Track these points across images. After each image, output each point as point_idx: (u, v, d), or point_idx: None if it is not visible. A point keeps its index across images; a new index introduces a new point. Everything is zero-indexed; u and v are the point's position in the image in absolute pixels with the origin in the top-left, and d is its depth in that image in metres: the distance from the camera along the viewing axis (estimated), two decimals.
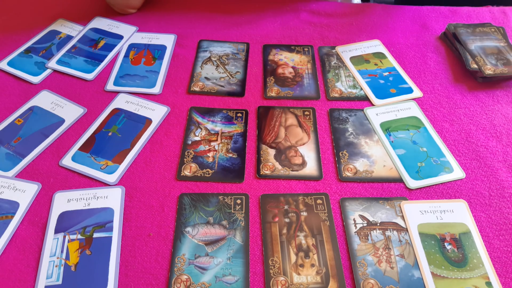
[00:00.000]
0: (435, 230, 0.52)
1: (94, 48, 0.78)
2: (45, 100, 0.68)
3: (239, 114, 0.67)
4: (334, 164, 0.60)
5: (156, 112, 0.67)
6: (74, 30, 0.82)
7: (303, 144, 0.62)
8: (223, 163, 0.60)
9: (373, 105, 0.68)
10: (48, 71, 0.73)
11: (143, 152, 0.61)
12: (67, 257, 0.50)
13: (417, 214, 0.54)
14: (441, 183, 0.58)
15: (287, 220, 0.54)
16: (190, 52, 0.78)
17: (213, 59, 0.77)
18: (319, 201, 0.55)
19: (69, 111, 0.67)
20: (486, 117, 0.66)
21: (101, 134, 0.63)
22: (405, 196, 0.56)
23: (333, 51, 0.79)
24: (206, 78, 0.73)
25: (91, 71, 0.74)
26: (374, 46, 0.79)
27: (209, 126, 0.65)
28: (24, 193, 0.56)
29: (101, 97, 0.69)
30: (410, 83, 0.72)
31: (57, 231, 0.52)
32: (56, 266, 0.49)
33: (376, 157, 0.61)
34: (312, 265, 0.49)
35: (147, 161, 0.60)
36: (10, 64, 0.75)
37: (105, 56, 0.77)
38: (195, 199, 0.56)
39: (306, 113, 0.67)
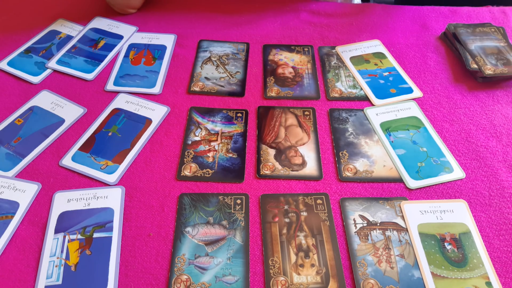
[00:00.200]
0: (435, 230, 0.52)
1: (94, 48, 0.78)
2: (45, 100, 0.68)
3: (239, 114, 0.67)
4: (334, 164, 0.60)
5: (156, 112, 0.67)
6: (74, 30, 0.82)
7: (303, 144, 0.62)
8: (223, 163, 0.60)
9: (373, 105, 0.68)
10: (48, 71, 0.73)
11: (143, 152, 0.61)
12: (67, 257, 0.50)
13: (417, 214, 0.54)
14: (441, 183, 0.58)
15: (287, 220, 0.54)
16: (190, 52, 0.78)
17: (213, 59, 0.77)
18: (319, 201, 0.55)
19: (69, 111, 0.67)
20: (486, 117, 0.66)
21: (101, 134, 0.63)
22: (405, 196, 0.56)
23: (333, 51, 0.79)
24: (206, 78, 0.73)
25: (91, 71, 0.74)
26: (374, 46, 0.79)
27: (209, 126, 0.65)
28: (24, 193, 0.56)
29: (101, 97, 0.69)
30: (410, 83, 0.72)
31: (57, 231, 0.52)
32: (56, 266, 0.49)
33: (376, 157, 0.61)
34: (312, 265, 0.49)
35: (147, 161, 0.60)
36: (10, 64, 0.75)
37: (105, 56, 0.77)
38: (195, 199, 0.56)
39: (306, 113, 0.67)
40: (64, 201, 0.55)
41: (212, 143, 0.62)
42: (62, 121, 0.65)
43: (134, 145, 0.62)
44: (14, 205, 0.55)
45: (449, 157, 0.61)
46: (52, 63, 0.75)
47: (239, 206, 0.55)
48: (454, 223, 0.53)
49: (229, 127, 0.65)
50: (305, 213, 0.54)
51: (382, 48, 0.79)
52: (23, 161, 0.59)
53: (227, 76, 0.73)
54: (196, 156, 0.61)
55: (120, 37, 0.80)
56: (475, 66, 0.72)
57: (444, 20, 0.86)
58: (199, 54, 0.77)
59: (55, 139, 0.63)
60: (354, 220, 0.53)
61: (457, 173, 0.59)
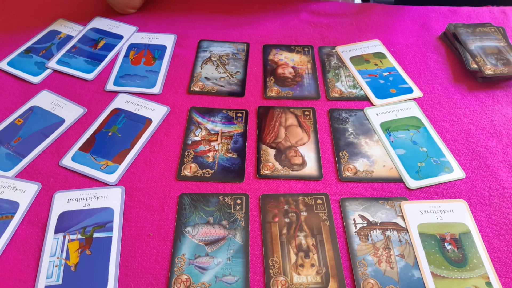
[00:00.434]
0: (435, 230, 0.52)
1: (94, 48, 0.78)
2: (45, 100, 0.68)
3: (239, 114, 0.67)
4: (334, 164, 0.60)
5: (156, 112, 0.67)
6: (74, 30, 0.82)
7: (303, 144, 0.62)
8: (223, 163, 0.60)
9: (373, 105, 0.68)
10: (48, 71, 0.73)
11: (143, 152, 0.61)
12: (67, 257, 0.50)
13: (417, 214, 0.54)
14: (441, 183, 0.58)
15: (287, 220, 0.54)
16: (190, 52, 0.78)
17: (213, 59, 0.77)
18: (319, 201, 0.55)
19: (69, 111, 0.67)
20: (486, 117, 0.66)
21: (101, 134, 0.63)
22: (405, 196, 0.56)
23: (333, 51, 0.79)
24: (206, 78, 0.73)
25: (91, 71, 0.74)
26: (374, 46, 0.79)
27: (209, 126, 0.65)
28: (24, 193, 0.56)
29: (101, 97, 0.69)
30: (410, 83, 0.72)
31: (57, 231, 0.52)
32: (56, 266, 0.49)
33: (376, 157, 0.61)
34: (312, 265, 0.49)
35: (147, 161, 0.60)
36: (10, 64, 0.75)
37: (105, 56, 0.77)
38: (195, 199, 0.56)
39: (306, 113, 0.67)
40: (64, 201, 0.55)
41: (212, 143, 0.62)
42: (62, 121, 0.65)
43: (134, 145, 0.62)
44: (14, 205, 0.55)
45: (449, 157, 0.61)
46: (52, 63, 0.75)
47: (239, 206, 0.55)
48: (454, 223, 0.53)
49: (229, 127, 0.65)
50: (305, 213, 0.54)
51: (382, 48, 0.79)
52: (23, 161, 0.59)
53: (227, 76, 0.73)
54: (196, 156, 0.61)
55: (120, 37, 0.80)
56: (475, 66, 0.72)
57: (444, 20, 0.86)
58: (199, 54, 0.77)
59: (55, 139, 0.63)
60: (354, 220, 0.53)
61: (457, 173, 0.59)
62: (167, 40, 0.80)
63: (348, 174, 0.58)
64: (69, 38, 0.80)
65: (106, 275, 0.48)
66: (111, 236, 0.52)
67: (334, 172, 0.59)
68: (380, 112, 0.67)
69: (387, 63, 0.76)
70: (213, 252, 0.50)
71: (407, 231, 0.52)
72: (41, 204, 0.55)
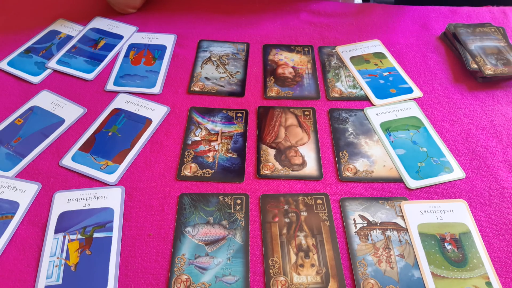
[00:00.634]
0: (435, 230, 0.52)
1: (94, 48, 0.78)
2: (45, 100, 0.68)
3: (239, 114, 0.67)
4: (334, 164, 0.60)
5: (156, 112, 0.67)
6: (74, 30, 0.82)
7: (303, 144, 0.62)
8: (223, 163, 0.60)
9: (373, 105, 0.68)
10: (48, 71, 0.73)
11: (143, 152, 0.61)
12: (67, 257, 0.50)
13: (417, 214, 0.54)
14: (441, 183, 0.58)
15: (287, 220, 0.54)
16: (190, 52, 0.78)
17: (213, 59, 0.77)
18: (319, 201, 0.55)
19: (69, 111, 0.67)
20: (486, 117, 0.66)
21: (101, 134, 0.63)
22: (405, 196, 0.56)
23: (333, 51, 0.79)
24: (206, 78, 0.73)
25: (91, 71, 0.74)
26: (374, 46, 0.79)
27: (209, 126, 0.65)
28: (24, 193, 0.56)
29: (101, 97, 0.69)
30: (410, 83, 0.72)
31: (57, 231, 0.52)
32: (56, 266, 0.49)
33: (376, 157, 0.61)
34: (312, 265, 0.49)
35: (147, 161, 0.60)
36: (10, 64, 0.75)
37: (105, 56, 0.77)
38: (195, 199, 0.56)
39: (306, 113, 0.67)
40: (64, 201, 0.55)
41: (212, 143, 0.62)
42: (62, 121, 0.65)
43: (134, 145, 0.62)
44: (14, 205, 0.55)
45: (449, 157, 0.61)
46: (52, 63, 0.75)
47: (239, 206, 0.55)
48: (454, 223, 0.53)
49: (229, 127, 0.65)
50: (305, 213, 0.54)
51: (382, 48, 0.79)
52: (23, 161, 0.59)
53: (227, 76, 0.73)
54: (196, 156, 0.61)
55: (120, 37, 0.80)
56: (475, 66, 0.72)
57: (444, 20, 0.86)
58: (199, 54, 0.77)
59: (55, 139, 0.63)
60: (354, 220, 0.53)
61: (457, 173, 0.59)
62: (167, 40, 0.80)
63: (348, 174, 0.58)
64: (69, 38, 0.80)
65: (106, 275, 0.48)
66: (111, 236, 0.52)
67: (334, 172, 0.59)
68: (380, 112, 0.67)
69: (387, 63, 0.76)
70: (213, 252, 0.50)
71: (407, 231, 0.52)
72: (41, 204, 0.55)
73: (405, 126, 0.65)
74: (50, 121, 0.65)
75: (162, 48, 0.78)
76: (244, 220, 0.53)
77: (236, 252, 0.51)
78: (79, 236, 0.51)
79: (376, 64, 0.75)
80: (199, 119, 0.66)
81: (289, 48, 0.79)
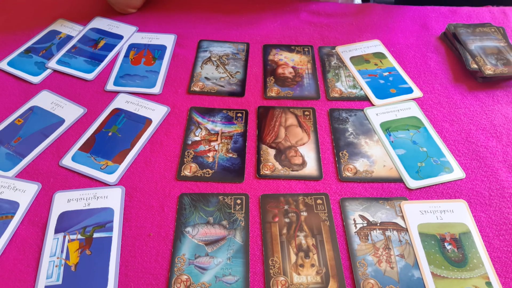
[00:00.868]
0: (435, 230, 0.52)
1: (94, 48, 0.78)
2: (45, 100, 0.68)
3: (239, 114, 0.67)
4: (334, 164, 0.60)
5: (156, 112, 0.67)
6: (74, 30, 0.82)
7: (303, 144, 0.62)
8: (223, 163, 0.60)
9: (373, 105, 0.68)
10: (48, 71, 0.73)
11: (143, 152, 0.61)
12: (67, 257, 0.50)
13: (417, 214, 0.54)
14: (441, 183, 0.58)
15: (287, 220, 0.54)
16: (190, 52, 0.78)
17: (213, 59, 0.77)
18: (319, 201, 0.55)
19: (69, 111, 0.67)
20: (486, 117, 0.66)
21: (101, 134, 0.63)
22: (405, 196, 0.56)
23: (333, 51, 0.79)
24: (206, 78, 0.73)
25: (91, 71, 0.74)
26: (374, 46, 0.79)
27: (209, 126, 0.65)
28: (24, 193, 0.56)
29: (101, 97, 0.69)
30: (410, 83, 0.72)
31: (57, 231, 0.52)
32: (56, 266, 0.49)
33: (376, 157, 0.61)
34: (312, 265, 0.49)
35: (147, 161, 0.60)
36: (10, 64, 0.75)
37: (105, 56, 0.77)
38: (195, 199, 0.56)
39: (306, 113, 0.67)
40: (64, 201, 0.55)
41: (212, 143, 0.62)
42: (62, 121, 0.65)
43: (134, 145, 0.62)
44: (14, 205, 0.55)
45: (449, 157, 0.61)
46: (52, 63, 0.75)
47: (239, 206, 0.55)
48: (454, 223, 0.53)
49: (229, 127, 0.65)
50: (305, 213, 0.54)
51: (382, 48, 0.79)
52: (23, 161, 0.59)
53: (227, 76, 0.73)
54: (196, 156, 0.61)
55: (120, 37, 0.80)
56: (475, 66, 0.72)
57: (444, 20, 0.86)
58: (199, 54, 0.77)
59: (55, 139, 0.63)
60: (354, 220, 0.53)
61: (457, 173, 0.59)
62: (167, 40, 0.80)
63: (348, 174, 0.58)
64: (69, 38, 0.80)
65: (106, 275, 0.48)
66: (111, 236, 0.52)
67: (334, 172, 0.59)
68: (380, 112, 0.67)
69: (387, 63, 0.76)
70: (213, 252, 0.50)
71: (407, 231, 0.52)
72: (41, 204, 0.55)
73: (405, 126, 0.65)
74: (50, 121, 0.65)
75: (162, 48, 0.78)
76: (244, 220, 0.53)
77: (236, 252, 0.51)
78: (79, 236, 0.51)
79: (376, 64, 0.75)
80: (199, 119, 0.66)
81: (289, 48, 0.79)
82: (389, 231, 0.52)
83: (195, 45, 0.79)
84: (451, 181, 0.58)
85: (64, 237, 0.51)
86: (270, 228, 0.53)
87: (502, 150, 0.62)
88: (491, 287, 0.48)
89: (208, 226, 0.53)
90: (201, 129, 0.65)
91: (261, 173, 0.58)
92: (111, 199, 0.55)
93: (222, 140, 0.63)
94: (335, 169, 0.59)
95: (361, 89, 0.71)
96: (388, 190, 0.57)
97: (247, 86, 0.72)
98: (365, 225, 0.53)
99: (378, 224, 0.53)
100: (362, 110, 0.67)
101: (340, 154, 0.61)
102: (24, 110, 0.67)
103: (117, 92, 0.70)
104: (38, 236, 0.52)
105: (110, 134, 0.63)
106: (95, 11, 0.87)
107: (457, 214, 0.54)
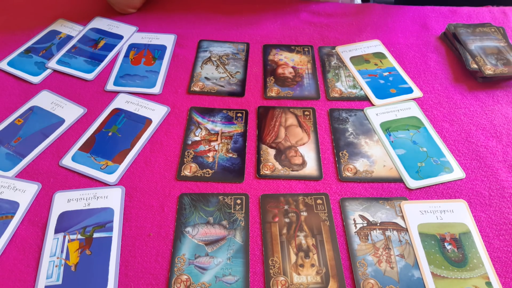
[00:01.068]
0: (435, 230, 0.52)
1: (94, 48, 0.78)
2: (45, 100, 0.68)
3: (239, 114, 0.67)
4: (334, 164, 0.60)
5: (156, 112, 0.67)
6: (74, 30, 0.82)
7: (303, 144, 0.62)
8: (223, 163, 0.60)
9: (373, 105, 0.68)
10: (48, 71, 0.73)
11: (143, 152, 0.61)
12: (67, 257, 0.50)
13: (417, 214, 0.54)
14: (441, 183, 0.58)
15: (287, 220, 0.54)
16: (190, 52, 0.78)
17: (213, 59, 0.77)
18: (319, 201, 0.55)
19: (69, 111, 0.67)
20: (486, 117, 0.66)
21: (101, 134, 0.63)
22: (405, 196, 0.56)
23: (333, 51, 0.79)
24: (206, 78, 0.73)
25: (91, 71, 0.74)
26: (374, 46, 0.79)
27: (209, 126, 0.65)
28: (24, 193, 0.56)
29: (101, 97, 0.69)
30: (410, 83, 0.72)
31: (57, 231, 0.52)
32: (56, 266, 0.49)
33: (376, 157, 0.61)
34: (312, 265, 0.49)
35: (147, 161, 0.60)
36: (10, 64, 0.75)
37: (105, 56, 0.77)
38: (195, 199, 0.56)
39: (306, 113, 0.67)
40: (64, 201, 0.55)
41: (212, 143, 0.62)
42: (62, 121, 0.65)
43: (134, 145, 0.62)
44: (14, 205, 0.55)
45: (449, 157, 0.61)
46: (52, 63, 0.75)
47: (239, 206, 0.55)
48: (454, 223, 0.53)
49: (229, 127, 0.65)
50: (305, 213, 0.54)
51: (382, 48, 0.79)
52: (23, 161, 0.59)
53: (227, 76, 0.73)
54: (196, 156, 0.61)
55: (120, 37, 0.80)
56: (475, 66, 0.72)
57: (444, 20, 0.86)
58: (199, 54, 0.77)
59: (55, 139, 0.63)
60: (354, 220, 0.53)
61: (457, 173, 0.59)
62: (167, 40, 0.80)
63: (348, 174, 0.58)
64: (69, 38, 0.80)
65: (106, 275, 0.48)
66: (111, 236, 0.52)
67: (334, 172, 0.59)
68: (380, 112, 0.67)
69: (387, 63, 0.76)
70: (213, 252, 0.50)
71: (407, 231, 0.52)
72: (41, 204, 0.55)
73: (405, 126, 0.65)
74: (50, 121, 0.65)
75: (162, 48, 0.78)
76: (244, 220, 0.53)
77: (236, 252, 0.51)
78: (79, 236, 0.51)
79: (376, 64, 0.75)
80: (199, 119, 0.66)
81: (289, 48, 0.79)
82: (389, 231, 0.52)
83: (195, 45, 0.79)
84: (451, 181, 0.58)
85: (64, 237, 0.51)
86: (270, 228, 0.53)
87: (502, 150, 0.62)
88: (491, 287, 0.48)
89: (208, 226, 0.53)
90: (201, 129, 0.65)
91: (261, 173, 0.58)
92: (111, 199, 0.55)
93: (222, 140, 0.63)
94: (335, 169, 0.59)
95: (361, 89, 0.71)
96: (388, 190, 0.57)
97: (247, 86, 0.72)
98: (365, 225, 0.53)
99: (378, 224, 0.53)
100: (362, 110, 0.67)
101: (340, 154, 0.61)
102: (24, 110, 0.67)
103: (117, 92, 0.70)
104: (38, 236, 0.52)
105: (110, 134, 0.63)
106: (95, 11, 0.87)
107: (457, 214, 0.54)
